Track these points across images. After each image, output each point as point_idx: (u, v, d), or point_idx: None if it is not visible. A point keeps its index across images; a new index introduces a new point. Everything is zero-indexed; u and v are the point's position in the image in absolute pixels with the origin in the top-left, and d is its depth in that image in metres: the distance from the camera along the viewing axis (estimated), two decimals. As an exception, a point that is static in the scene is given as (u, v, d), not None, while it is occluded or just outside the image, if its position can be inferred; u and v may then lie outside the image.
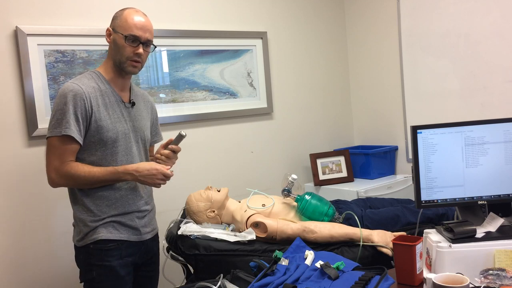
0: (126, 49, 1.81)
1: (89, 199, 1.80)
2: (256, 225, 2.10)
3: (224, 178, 2.94)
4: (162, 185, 1.87)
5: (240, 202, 2.31)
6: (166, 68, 2.75)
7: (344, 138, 3.66)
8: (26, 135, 2.27)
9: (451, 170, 1.67)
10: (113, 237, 1.80)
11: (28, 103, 2.26)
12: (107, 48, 1.90)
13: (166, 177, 1.85)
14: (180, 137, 1.98)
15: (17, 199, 2.25)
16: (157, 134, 2.13)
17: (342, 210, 2.24)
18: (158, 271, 2.06)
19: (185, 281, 2.24)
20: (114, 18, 1.86)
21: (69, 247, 1.87)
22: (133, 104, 1.92)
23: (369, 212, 2.24)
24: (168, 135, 2.71)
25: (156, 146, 2.12)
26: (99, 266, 1.79)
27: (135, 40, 1.81)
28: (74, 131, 1.73)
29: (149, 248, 1.97)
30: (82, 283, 1.86)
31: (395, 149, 3.41)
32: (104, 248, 1.79)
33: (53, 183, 1.78)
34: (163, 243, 2.22)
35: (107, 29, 1.85)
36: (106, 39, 1.86)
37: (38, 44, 2.28)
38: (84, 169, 1.76)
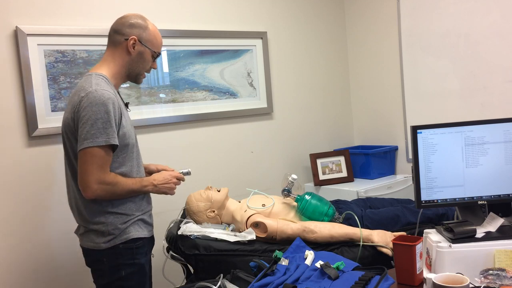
0: (149, 64, 1.84)
1: (118, 206, 1.77)
2: (256, 225, 2.10)
3: (224, 178, 2.94)
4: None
5: (240, 202, 2.31)
6: (166, 68, 2.75)
7: (344, 138, 3.66)
8: (26, 135, 2.27)
9: (451, 170, 1.67)
10: (140, 234, 1.81)
11: (28, 103, 2.25)
12: (107, 48, 1.88)
13: (179, 180, 1.90)
14: (187, 174, 2.01)
15: (17, 199, 2.25)
16: None
17: (342, 210, 2.24)
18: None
19: (185, 281, 2.24)
20: (137, 27, 1.78)
21: (69, 247, 1.87)
22: (127, 105, 1.92)
23: (369, 212, 2.24)
24: (168, 135, 2.75)
25: None
26: (130, 264, 1.78)
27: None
28: (117, 140, 1.70)
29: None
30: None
31: (395, 149, 3.41)
32: (134, 246, 1.79)
33: (93, 194, 1.70)
34: (163, 243, 2.22)
35: (132, 38, 1.77)
36: (129, 48, 1.77)
37: (38, 44, 2.28)
38: (124, 180, 1.74)
